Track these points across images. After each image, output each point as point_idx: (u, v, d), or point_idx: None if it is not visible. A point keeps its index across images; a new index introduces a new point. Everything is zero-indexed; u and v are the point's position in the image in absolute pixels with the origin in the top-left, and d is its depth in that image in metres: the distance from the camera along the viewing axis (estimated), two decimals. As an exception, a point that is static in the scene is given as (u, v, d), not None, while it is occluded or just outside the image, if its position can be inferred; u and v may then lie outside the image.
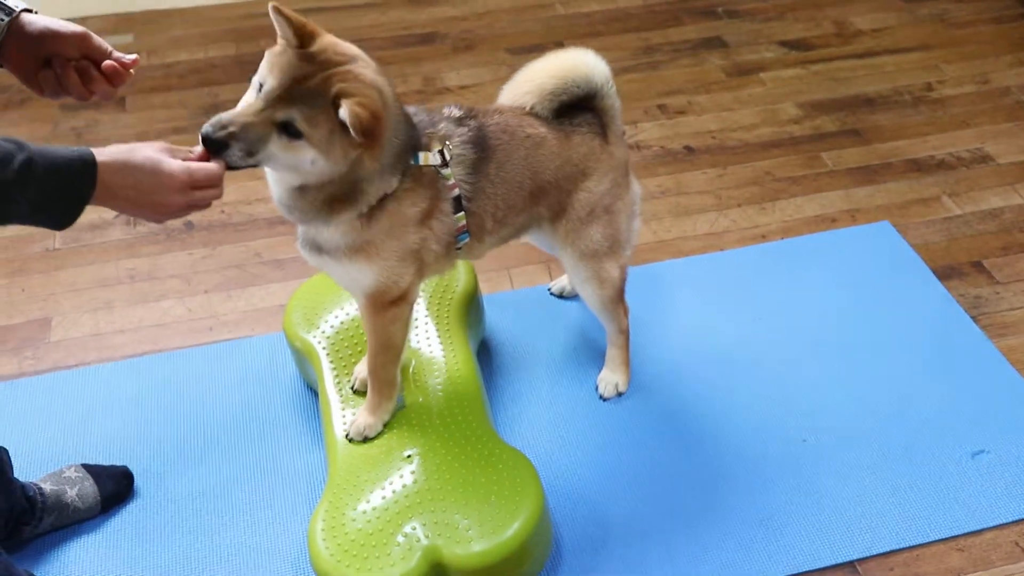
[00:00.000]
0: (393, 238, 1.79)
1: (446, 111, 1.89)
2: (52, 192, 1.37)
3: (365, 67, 1.64)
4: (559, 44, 3.65)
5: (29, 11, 1.52)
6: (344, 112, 1.54)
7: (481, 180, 1.87)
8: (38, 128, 3.28)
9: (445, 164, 1.80)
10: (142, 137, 3.22)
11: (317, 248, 1.81)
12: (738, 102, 3.36)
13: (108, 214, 2.92)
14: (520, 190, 1.94)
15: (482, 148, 1.86)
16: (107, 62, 1.54)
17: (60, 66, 1.52)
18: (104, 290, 2.67)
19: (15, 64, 1.52)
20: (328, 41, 1.62)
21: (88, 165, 1.40)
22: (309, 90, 1.57)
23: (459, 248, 1.92)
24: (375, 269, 1.80)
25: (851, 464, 2.14)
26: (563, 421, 2.26)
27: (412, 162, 1.76)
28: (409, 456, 1.90)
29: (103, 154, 1.43)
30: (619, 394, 2.31)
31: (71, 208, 1.40)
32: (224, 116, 1.56)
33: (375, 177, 1.71)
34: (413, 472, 1.87)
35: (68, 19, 1.54)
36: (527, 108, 1.97)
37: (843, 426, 2.22)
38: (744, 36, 3.72)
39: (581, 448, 2.20)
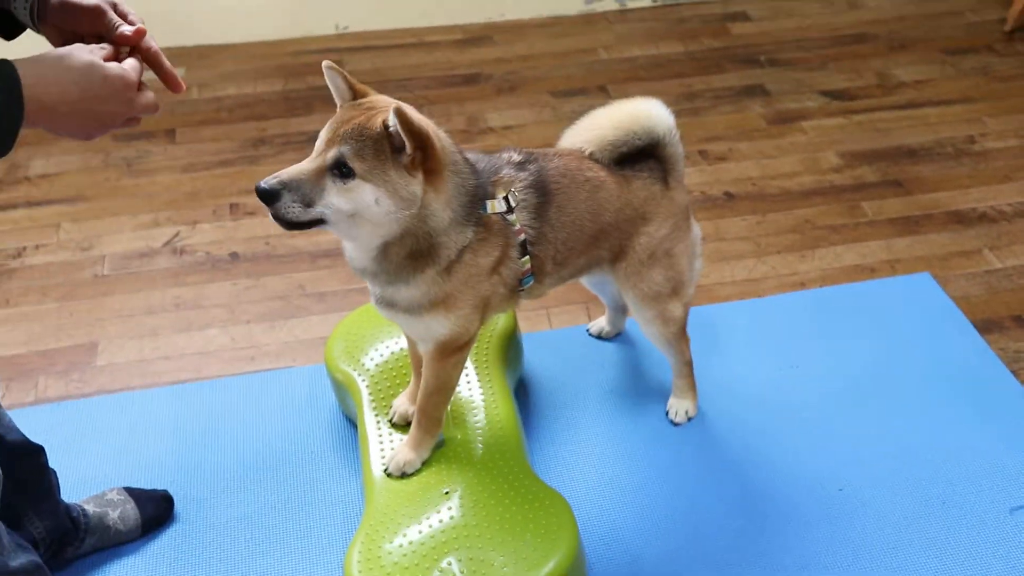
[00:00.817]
0: (470, 288, 1.81)
1: (505, 155, 1.91)
2: None
3: (409, 109, 1.69)
4: (601, 88, 3.69)
5: None
6: (391, 120, 1.57)
7: (543, 225, 1.88)
8: (90, 158, 3.37)
9: (510, 210, 1.82)
10: (189, 169, 3.31)
11: (392, 305, 1.83)
12: (779, 150, 3.38)
13: (156, 242, 2.99)
14: (581, 233, 1.96)
15: (543, 192, 1.88)
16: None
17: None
18: (150, 317, 2.72)
19: (54, 42, 1.41)
20: (376, 95, 1.70)
21: (7, 80, 1.17)
22: (355, 127, 1.61)
23: (522, 290, 1.94)
24: (451, 319, 1.82)
25: (887, 515, 2.13)
26: (599, 462, 2.27)
27: (481, 211, 1.78)
28: (447, 493, 1.92)
29: (31, 65, 1.20)
30: (689, 419, 2.34)
31: None
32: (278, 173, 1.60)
33: (450, 228, 1.73)
34: (450, 508, 1.89)
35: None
36: (586, 153, 2.00)
37: (879, 477, 2.21)
38: (786, 85, 3.74)
39: (616, 489, 2.20)
